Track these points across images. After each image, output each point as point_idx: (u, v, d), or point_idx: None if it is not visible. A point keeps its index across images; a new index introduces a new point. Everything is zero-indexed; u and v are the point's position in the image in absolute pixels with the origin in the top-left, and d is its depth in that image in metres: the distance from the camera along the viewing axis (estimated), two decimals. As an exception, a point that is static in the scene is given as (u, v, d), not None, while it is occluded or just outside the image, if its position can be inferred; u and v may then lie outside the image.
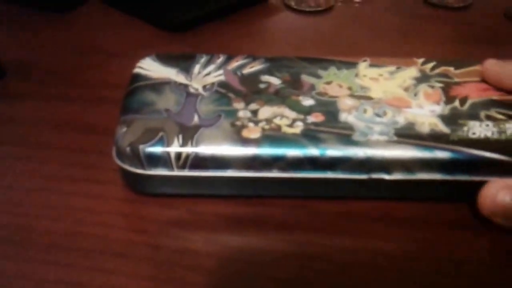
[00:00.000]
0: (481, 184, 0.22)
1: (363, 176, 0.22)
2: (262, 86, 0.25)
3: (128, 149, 0.22)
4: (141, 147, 0.22)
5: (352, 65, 0.27)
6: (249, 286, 0.20)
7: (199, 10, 0.38)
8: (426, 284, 0.21)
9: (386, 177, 0.22)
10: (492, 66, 0.26)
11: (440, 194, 0.23)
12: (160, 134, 0.22)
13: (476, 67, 0.27)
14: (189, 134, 0.22)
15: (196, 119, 0.23)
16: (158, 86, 0.25)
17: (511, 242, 0.22)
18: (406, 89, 0.25)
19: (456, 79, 0.26)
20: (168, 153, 0.22)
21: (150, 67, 0.27)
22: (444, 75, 0.26)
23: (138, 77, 0.26)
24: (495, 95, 0.25)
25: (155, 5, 0.38)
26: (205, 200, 0.24)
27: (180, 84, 0.25)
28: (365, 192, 0.23)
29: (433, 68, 0.27)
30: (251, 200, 0.23)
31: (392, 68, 0.27)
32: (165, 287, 0.20)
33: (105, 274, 0.21)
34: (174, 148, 0.22)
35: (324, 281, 0.20)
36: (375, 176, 0.22)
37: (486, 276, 0.21)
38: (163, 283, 0.20)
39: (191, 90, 0.25)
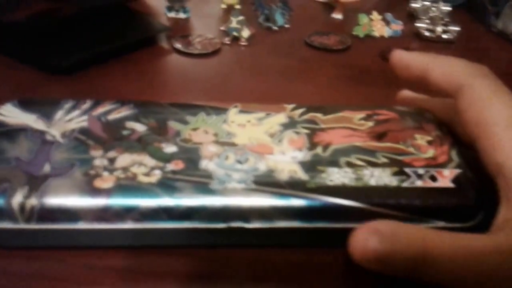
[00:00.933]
0: (343, 231, 0.22)
1: (221, 225, 0.22)
2: (125, 132, 0.25)
3: None
4: None
5: (223, 111, 0.27)
6: None
7: (85, 52, 0.37)
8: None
9: (245, 225, 0.22)
10: (400, 55, 0.27)
11: (304, 241, 0.23)
12: (4, 185, 0.21)
13: (344, 113, 0.28)
14: (35, 184, 0.21)
15: (46, 168, 0.22)
16: (13, 133, 0.24)
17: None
18: (272, 135, 0.26)
19: (323, 125, 0.27)
20: (10, 205, 0.21)
21: (9, 113, 0.25)
22: (311, 121, 0.27)
23: (-6, 123, 0.25)
24: (359, 141, 0.26)
25: (39, 47, 0.37)
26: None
27: (37, 131, 0.24)
28: (226, 241, 0.23)
29: (301, 114, 0.27)
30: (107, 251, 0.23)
31: (261, 114, 0.27)
32: None
33: None
34: (17, 200, 0.21)
35: None
36: (233, 224, 0.22)
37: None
38: None
39: (48, 138, 0.24)
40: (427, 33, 0.49)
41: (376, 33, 0.49)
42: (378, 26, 0.49)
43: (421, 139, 0.26)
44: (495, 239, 0.20)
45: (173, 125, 0.26)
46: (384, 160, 0.24)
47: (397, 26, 0.50)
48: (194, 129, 0.25)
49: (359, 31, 0.48)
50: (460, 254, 0.20)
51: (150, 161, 0.23)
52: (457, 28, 0.50)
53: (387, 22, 0.50)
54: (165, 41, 0.42)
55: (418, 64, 0.26)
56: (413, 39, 0.49)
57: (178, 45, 0.41)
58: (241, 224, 0.22)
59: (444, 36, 0.49)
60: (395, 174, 0.24)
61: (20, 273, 0.21)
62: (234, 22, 0.44)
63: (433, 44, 0.49)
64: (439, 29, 0.50)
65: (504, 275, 0.19)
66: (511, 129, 0.22)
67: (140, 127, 0.25)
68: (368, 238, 0.21)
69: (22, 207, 0.21)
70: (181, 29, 0.45)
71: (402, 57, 0.27)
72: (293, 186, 0.23)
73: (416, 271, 0.20)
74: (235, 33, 0.44)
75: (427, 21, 0.51)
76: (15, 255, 0.22)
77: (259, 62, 0.41)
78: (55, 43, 0.37)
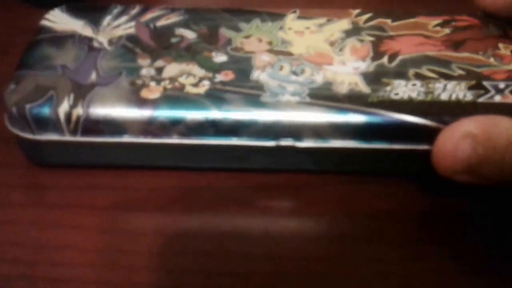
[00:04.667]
0: (407, 154, 0.21)
1: (271, 143, 0.22)
2: (174, 40, 0.24)
3: (14, 109, 0.22)
4: (27, 106, 0.21)
5: (279, 17, 0.26)
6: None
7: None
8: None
9: (296, 144, 0.22)
10: None
11: (362, 166, 0.23)
12: (50, 92, 0.22)
13: (417, 19, 0.25)
14: (81, 93, 0.22)
15: (93, 76, 0.22)
16: (60, 39, 0.24)
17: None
18: (332, 44, 0.24)
19: (391, 32, 0.25)
20: (57, 115, 0.21)
21: (57, 19, 0.26)
22: (379, 27, 0.25)
23: (41, 30, 0.25)
24: (432, 51, 0.24)
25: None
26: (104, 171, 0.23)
27: (85, 37, 0.25)
28: (275, 163, 0.22)
29: (367, 20, 0.25)
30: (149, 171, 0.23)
31: (322, 20, 0.25)
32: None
33: None
34: (63, 109, 0.21)
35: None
36: (284, 143, 0.22)
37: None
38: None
39: (95, 44, 0.24)
40: None
41: None
42: None
43: (505, 49, 0.24)
44: None
45: (225, 32, 0.25)
46: (460, 72, 0.23)
47: None
48: (247, 37, 0.25)
49: None
50: None
51: (199, 71, 0.23)
52: None
53: None
54: None
55: None
56: None
57: None
58: (292, 142, 0.22)
59: None
60: (472, 88, 0.22)
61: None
62: None
63: None
64: None
65: None
66: None
67: (190, 34, 0.25)
68: (459, 143, 0.19)
69: (68, 116, 0.21)
70: None
71: None
72: (353, 100, 0.22)
73: None
74: None
75: None
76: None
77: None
78: None
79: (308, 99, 0.22)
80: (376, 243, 0.21)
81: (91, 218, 0.22)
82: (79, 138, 0.22)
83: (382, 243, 0.21)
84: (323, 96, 0.22)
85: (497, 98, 0.21)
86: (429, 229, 0.22)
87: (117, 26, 0.25)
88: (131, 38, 0.24)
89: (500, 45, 0.24)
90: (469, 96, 0.22)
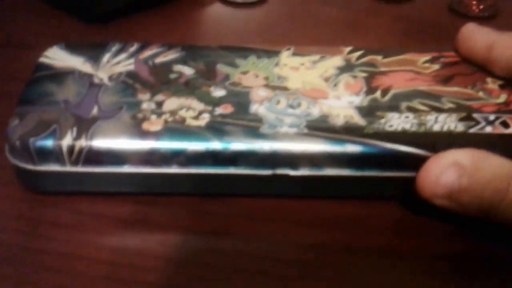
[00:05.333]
0: (401, 180, 0.22)
1: (268, 172, 0.22)
2: (172, 76, 0.25)
3: (18, 142, 0.22)
4: (31, 140, 0.22)
5: (274, 53, 0.27)
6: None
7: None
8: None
9: (292, 172, 0.22)
10: (468, 28, 0.26)
11: (358, 191, 0.23)
12: (54, 126, 0.22)
13: (407, 56, 0.27)
14: (84, 126, 0.22)
15: (95, 111, 0.23)
16: (61, 76, 0.25)
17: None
18: (327, 79, 0.25)
19: (383, 68, 0.26)
20: (60, 147, 0.22)
21: (56, 56, 0.26)
22: (371, 64, 0.26)
23: (41, 66, 0.26)
24: (422, 85, 0.25)
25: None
26: (102, 198, 0.23)
27: (85, 74, 0.25)
28: (272, 189, 0.23)
29: (359, 57, 0.27)
30: (143, 198, 0.24)
31: (316, 57, 0.27)
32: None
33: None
34: (67, 141, 0.22)
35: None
36: (280, 171, 0.22)
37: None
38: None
39: (96, 80, 0.25)
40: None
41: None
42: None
43: (492, 83, 0.25)
44: None
45: (222, 68, 0.26)
46: (450, 105, 0.24)
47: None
48: (244, 73, 0.26)
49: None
50: None
51: (198, 105, 0.24)
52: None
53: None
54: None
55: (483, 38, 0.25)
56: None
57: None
58: (289, 171, 0.22)
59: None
60: (462, 119, 0.23)
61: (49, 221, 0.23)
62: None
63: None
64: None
65: None
66: None
67: (188, 71, 0.26)
68: (443, 171, 0.20)
69: (71, 149, 0.22)
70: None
71: (469, 31, 0.26)
72: (349, 131, 0.22)
73: (492, 210, 0.20)
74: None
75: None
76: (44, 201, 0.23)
77: (311, 13, 0.39)
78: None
79: (306, 130, 0.22)
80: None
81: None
82: (80, 169, 0.22)
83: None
84: (320, 127, 0.23)
85: (488, 129, 0.23)
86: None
87: (117, 63, 0.26)
88: (130, 74, 0.25)
89: (488, 79, 0.25)
90: (460, 127, 0.23)
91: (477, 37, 0.25)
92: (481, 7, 0.39)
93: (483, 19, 0.38)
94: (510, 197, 0.20)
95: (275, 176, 0.22)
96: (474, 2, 0.39)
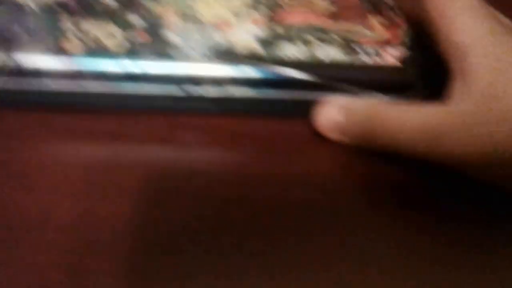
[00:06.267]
0: (293, 101, 0.27)
1: (178, 91, 0.26)
2: (96, 5, 0.28)
3: None
4: None
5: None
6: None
7: None
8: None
9: (203, 92, 0.26)
10: None
11: (257, 109, 0.28)
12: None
13: (308, -2, 0.31)
14: (10, 46, 0.25)
15: (21, 33, 0.26)
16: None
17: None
18: (235, 14, 0.29)
19: (286, 7, 0.30)
20: None
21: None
22: (276, 3, 0.30)
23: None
24: (316, 21, 0.29)
25: None
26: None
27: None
28: (184, 106, 0.27)
29: (268, -4, 0.30)
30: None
31: (228, -7, 0.30)
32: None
33: None
34: (-6, 58, 0.25)
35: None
36: (190, 89, 0.26)
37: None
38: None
39: (23, 6, 0.27)
40: None
41: None
42: None
43: (376, 22, 0.29)
44: (449, 109, 0.23)
45: (142, 1, 0.29)
46: (337, 38, 0.28)
47: None
48: (162, 6, 0.29)
49: None
50: (408, 120, 0.23)
51: (116, 31, 0.27)
52: None
53: None
54: None
55: None
56: None
57: None
58: (197, 89, 0.26)
59: None
60: (345, 51, 0.27)
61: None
62: None
63: None
64: None
65: (455, 141, 0.22)
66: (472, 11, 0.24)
67: (110, 2, 0.29)
68: (332, 111, 0.26)
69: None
70: None
71: None
72: (250, 59, 0.26)
73: (370, 139, 0.25)
74: None
75: None
76: None
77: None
78: None
79: (212, 55, 0.26)
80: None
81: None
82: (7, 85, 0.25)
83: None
84: (225, 53, 0.26)
85: (366, 59, 0.27)
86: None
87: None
88: (59, 3, 0.28)
89: (372, 18, 0.29)
90: (343, 57, 0.27)
91: None
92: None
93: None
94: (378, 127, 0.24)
95: (188, 96, 0.26)
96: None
